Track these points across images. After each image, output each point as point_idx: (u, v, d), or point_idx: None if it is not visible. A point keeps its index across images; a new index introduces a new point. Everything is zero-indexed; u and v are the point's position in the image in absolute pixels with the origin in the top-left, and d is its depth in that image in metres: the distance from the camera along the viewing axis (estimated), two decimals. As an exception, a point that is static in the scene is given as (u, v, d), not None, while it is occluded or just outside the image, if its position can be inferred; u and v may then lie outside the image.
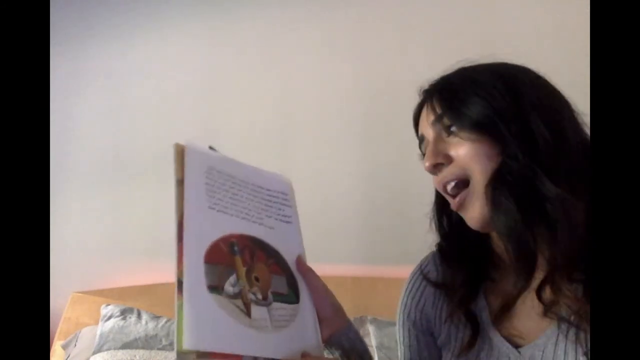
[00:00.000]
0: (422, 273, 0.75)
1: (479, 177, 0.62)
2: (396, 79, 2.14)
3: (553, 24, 1.84)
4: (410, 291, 0.76)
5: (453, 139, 0.65)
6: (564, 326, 0.59)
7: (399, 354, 0.77)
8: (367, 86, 2.19)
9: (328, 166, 2.21)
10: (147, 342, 1.92)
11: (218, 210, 0.60)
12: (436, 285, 0.73)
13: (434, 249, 0.76)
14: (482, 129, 0.62)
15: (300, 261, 0.65)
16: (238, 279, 0.57)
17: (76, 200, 2.42)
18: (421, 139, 0.71)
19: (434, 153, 0.65)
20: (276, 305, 0.59)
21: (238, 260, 0.59)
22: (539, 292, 0.61)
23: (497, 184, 0.61)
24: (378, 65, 2.18)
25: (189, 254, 0.54)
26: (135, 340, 1.92)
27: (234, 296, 0.55)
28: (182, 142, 0.61)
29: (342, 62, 2.22)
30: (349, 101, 2.21)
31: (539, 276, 0.61)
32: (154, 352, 1.87)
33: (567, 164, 0.59)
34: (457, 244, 0.71)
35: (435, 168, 0.65)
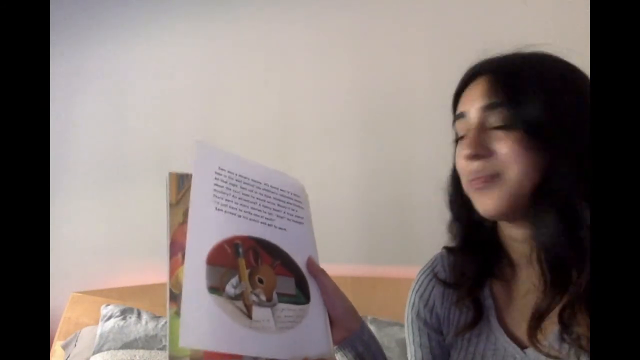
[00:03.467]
0: (430, 272, 0.75)
1: (515, 178, 0.59)
2: (397, 80, 2.14)
3: (553, 23, 1.84)
4: (418, 290, 0.75)
5: (499, 132, 0.60)
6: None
7: (409, 354, 0.77)
8: (368, 87, 2.18)
9: (328, 166, 2.21)
10: (147, 342, 1.92)
11: (225, 212, 0.60)
12: (445, 284, 0.72)
13: (439, 250, 0.75)
14: (541, 137, 0.58)
15: (312, 262, 0.65)
16: (240, 280, 0.57)
17: (76, 200, 2.42)
18: (459, 116, 0.65)
19: (476, 143, 0.61)
20: (282, 306, 0.59)
21: (242, 262, 0.59)
22: (561, 315, 0.58)
23: (542, 198, 0.58)
24: (379, 66, 2.18)
25: (191, 257, 0.55)
26: (135, 340, 1.92)
27: (235, 297, 0.56)
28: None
29: (343, 63, 2.22)
30: (349, 102, 2.21)
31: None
32: (154, 352, 1.87)
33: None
34: (471, 241, 0.70)
35: (474, 159, 0.61)
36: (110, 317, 2.04)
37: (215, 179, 0.62)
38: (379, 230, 2.10)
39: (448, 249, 0.74)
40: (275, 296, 0.60)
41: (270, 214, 0.65)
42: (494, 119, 0.61)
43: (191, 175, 0.61)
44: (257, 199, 0.64)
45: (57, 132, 2.36)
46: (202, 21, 2.40)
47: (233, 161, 0.65)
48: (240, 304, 0.56)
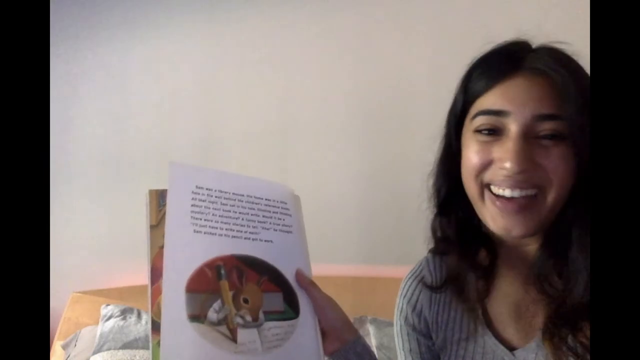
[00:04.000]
0: (417, 277, 0.74)
1: (556, 196, 0.56)
2: (397, 79, 2.14)
3: (553, 23, 1.84)
4: (406, 296, 0.74)
5: (553, 145, 0.55)
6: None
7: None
8: (368, 86, 2.19)
9: (329, 166, 2.21)
10: (147, 342, 1.91)
11: (205, 233, 0.59)
12: (432, 288, 0.71)
13: (427, 254, 0.74)
14: (579, 147, 0.54)
15: (300, 275, 0.63)
16: (223, 304, 0.56)
17: (76, 200, 2.41)
18: (495, 112, 0.57)
19: (525, 156, 0.54)
20: (269, 324, 0.58)
21: (224, 284, 0.58)
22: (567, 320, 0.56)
23: (567, 216, 0.56)
24: (379, 65, 2.18)
25: (169, 286, 0.54)
26: (135, 340, 1.92)
27: (218, 323, 0.55)
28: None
29: (343, 62, 2.22)
30: (349, 102, 2.21)
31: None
32: (154, 352, 1.87)
33: None
34: (460, 239, 0.67)
35: (519, 174, 0.55)
36: (110, 317, 2.04)
37: (192, 199, 0.59)
38: (379, 230, 2.10)
39: (434, 252, 0.72)
40: (261, 315, 0.58)
41: (254, 227, 0.63)
42: (546, 128, 0.55)
43: (183, 169, 0.60)
44: (240, 213, 0.62)
45: (57, 132, 2.35)
46: (202, 21, 2.40)
47: (211, 177, 0.62)
48: (224, 328, 0.55)
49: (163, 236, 0.57)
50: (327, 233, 2.13)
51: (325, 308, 0.63)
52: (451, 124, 0.64)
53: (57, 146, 2.33)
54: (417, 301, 0.72)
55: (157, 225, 0.57)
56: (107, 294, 2.25)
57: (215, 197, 0.61)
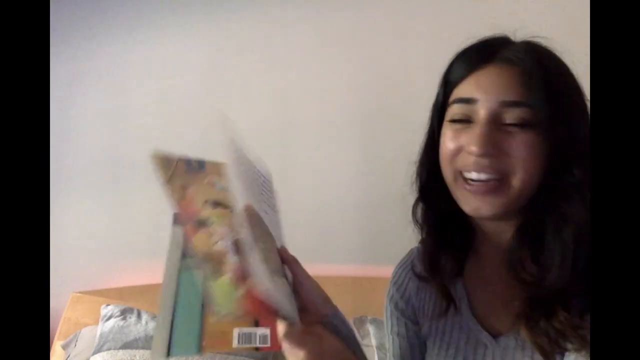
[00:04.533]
0: (407, 265, 0.78)
1: (522, 181, 0.58)
2: (396, 78, 2.14)
3: (553, 22, 1.84)
4: (396, 283, 0.78)
5: (519, 131, 0.57)
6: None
7: (388, 344, 0.79)
8: (367, 86, 2.18)
9: (328, 166, 2.21)
10: (147, 342, 1.91)
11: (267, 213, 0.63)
12: (419, 277, 0.74)
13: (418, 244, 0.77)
14: (551, 136, 0.56)
15: (284, 251, 0.65)
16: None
17: (76, 200, 2.41)
18: (465, 100, 0.60)
19: (491, 143, 0.57)
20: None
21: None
22: (539, 305, 0.58)
23: (541, 202, 0.58)
24: (378, 65, 2.18)
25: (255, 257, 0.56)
26: (135, 340, 1.92)
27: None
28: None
29: (342, 62, 2.22)
30: (348, 101, 2.21)
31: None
32: (154, 352, 1.87)
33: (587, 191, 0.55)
34: (444, 230, 0.70)
35: (483, 157, 0.57)
36: (110, 317, 2.04)
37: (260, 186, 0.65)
38: (379, 230, 2.10)
39: (422, 242, 0.74)
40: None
41: (263, 201, 0.65)
42: (513, 115, 0.57)
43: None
44: (257, 185, 0.66)
45: (57, 132, 2.35)
46: (202, 21, 2.40)
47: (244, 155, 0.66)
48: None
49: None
50: (327, 233, 2.13)
51: (305, 284, 0.64)
52: (434, 114, 0.68)
53: (57, 146, 2.33)
54: (405, 289, 0.77)
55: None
56: (107, 294, 2.24)
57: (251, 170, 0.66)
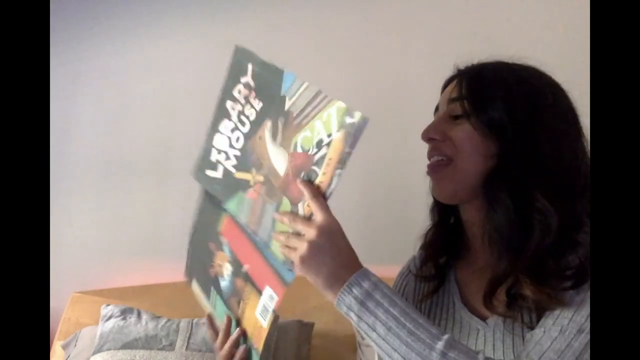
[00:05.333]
0: (405, 270, 0.88)
1: (465, 164, 0.69)
2: (395, 79, 2.14)
3: (553, 24, 1.84)
4: (395, 287, 0.87)
5: (460, 122, 0.70)
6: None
7: None
8: (367, 86, 2.18)
9: (328, 166, 2.21)
10: (147, 342, 1.91)
11: None
12: (416, 276, 0.83)
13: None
14: (493, 128, 0.68)
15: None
16: None
17: (76, 200, 2.41)
18: (436, 109, 0.78)
19: (434, 129, 0.72)
20: None
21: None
22: (508, 290, 0.66)
23: (495, 182, 0.67)
24: (378, 65, 2.18)
25: None
26: (135, 340, 1.92)
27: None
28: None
29: (342, 62, 2.22)
30: (348, 101, 2.21)
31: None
32: (154, 352, 1.86)
33: (560, 183, 0.64)
34: (442, 223, 0.80)
35: (429, 141, 0.73)
36: (110, 317, 2.04)
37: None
38: (379, 230, 2.10)
39: (422, 247, 0.84)
40: None
41: None
42: (455, 108, 0.71)
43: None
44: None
45: (57, 132, 2.35)
46: (202, 21, 2.40)
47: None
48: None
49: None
50: (327, 233, 2.12)
51: None
52: None
53: (57, 146, 2.33)
54: (404, 293, 0.85)
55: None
56: (107, 294, 2.24)
57: None
